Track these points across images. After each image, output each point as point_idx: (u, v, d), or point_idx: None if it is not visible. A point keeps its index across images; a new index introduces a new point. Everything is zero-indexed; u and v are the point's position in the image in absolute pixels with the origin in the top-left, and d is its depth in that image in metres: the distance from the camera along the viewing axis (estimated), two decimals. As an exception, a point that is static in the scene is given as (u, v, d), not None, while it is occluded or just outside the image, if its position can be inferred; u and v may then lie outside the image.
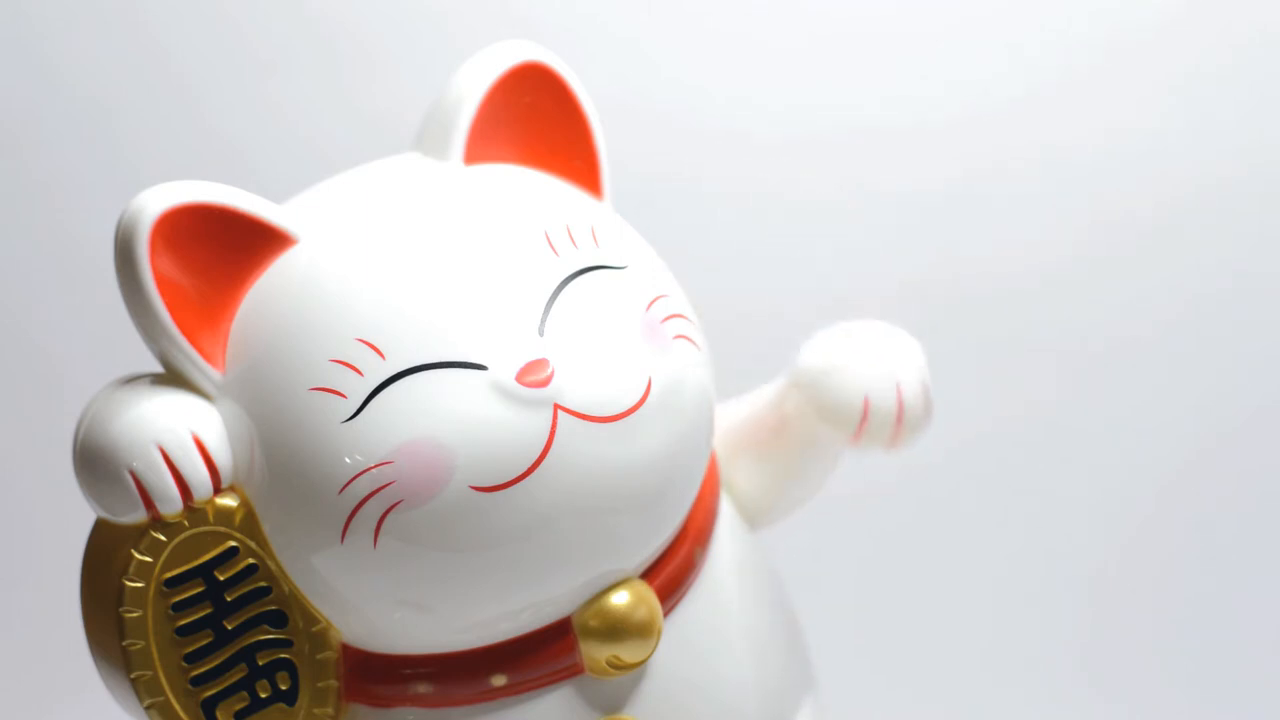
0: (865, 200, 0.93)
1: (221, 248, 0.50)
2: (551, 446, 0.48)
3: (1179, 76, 0.92)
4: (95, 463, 0.49)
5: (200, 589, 0.49)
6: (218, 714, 0.50)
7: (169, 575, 0.49)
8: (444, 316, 0.48)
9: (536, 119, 0.54)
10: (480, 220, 0.51)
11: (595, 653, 0.51)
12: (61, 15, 0.94)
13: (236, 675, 0.50)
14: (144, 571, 0.49)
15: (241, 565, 0.49)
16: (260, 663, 0.50)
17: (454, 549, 0.48)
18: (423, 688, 0.51)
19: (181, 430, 0.49)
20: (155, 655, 0.49)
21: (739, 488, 0.57)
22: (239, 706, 0.50)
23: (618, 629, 0.50)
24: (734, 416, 0.58)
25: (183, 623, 0.49)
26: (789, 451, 0.57)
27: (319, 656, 0.50)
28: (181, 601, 0.49)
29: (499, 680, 0.50)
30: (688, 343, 0.51)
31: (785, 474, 0.58)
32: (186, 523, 0.49)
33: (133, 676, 0.49)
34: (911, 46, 0.93)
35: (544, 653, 0.51)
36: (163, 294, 0.49)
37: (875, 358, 0.56)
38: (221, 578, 0.49)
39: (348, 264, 0.49)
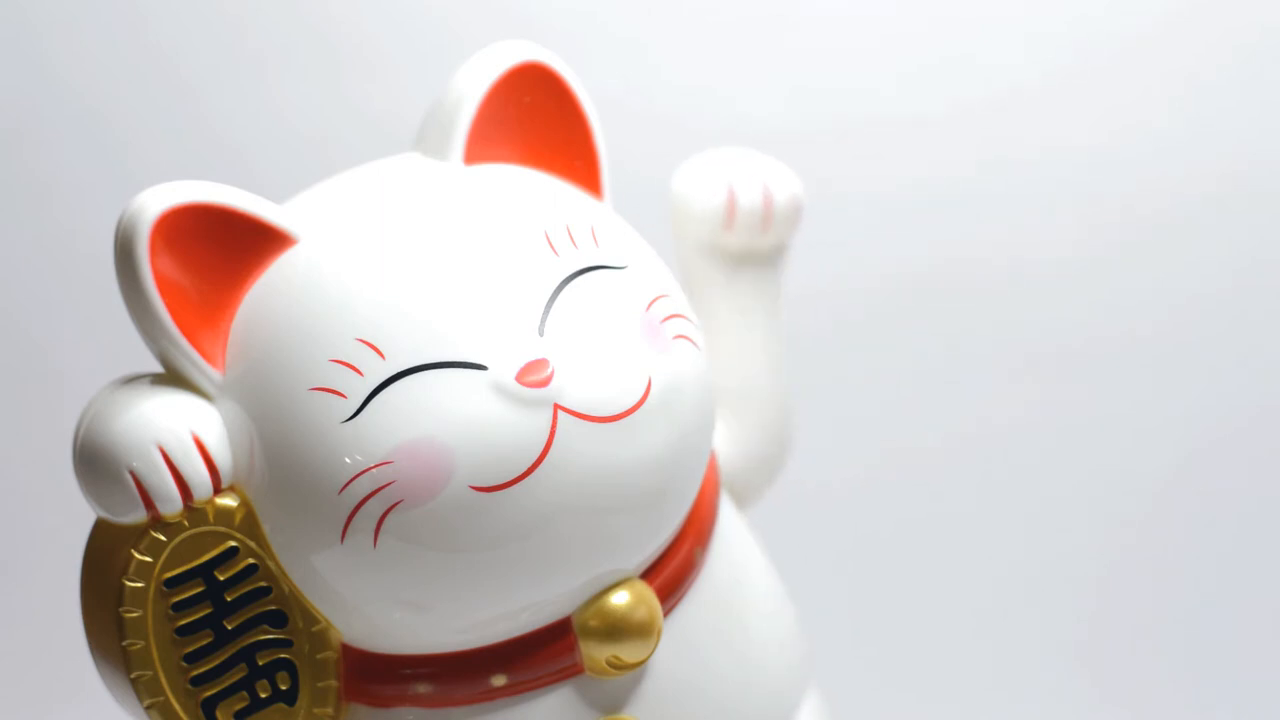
0: (865, 198, 0.93)
1: (221, 248, 0.50)
2: (551, 446, 0.48)
3: (1181, 74, 0.92)
4: (95, 463, 0.49)
5: (200, 589, 0.49)
6: (218, 714, 0.50)
7: (169, 575, 0.49)
8: (444, 316, 0.48)
9: (536, 119, 0.54)
10: (480, 220, 0.51)
11: (595, 653, 0.51)
12: (61, 15, 0.94)
13: (236, 675, 0.50)
14: (144, 571, 0.49)
15: (241, 565, 0.49)
16: (260, 663, 0.50)
17: (454, 549, 0.48)
18: (423, 688, 0.51)
19: (181, 430, 0.49)
20: (155, 655, 0.49)
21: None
22: (239, 706, 0.50)
23: (618, 629, 0.50)
24: None
25: (183, 623, 0.49)
26: (703, 301, 0.58)
27: (319, 656, 0.50)
28: (181, 601, 0.49)
29: (499, 680, 0.50)
30: (688, 343, 0.51)
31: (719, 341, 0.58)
32: (186, 523, 0.49)
33: (133, 676, 0.49)
34: (911, 46, 0.93)
35: (544, 653, 0.51)
36: (163, 294, 0.49)
37: (740, 161, 0.58)
38: (221, 578, 0.49)
39: (348, 264, 0.49)
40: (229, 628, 0.49)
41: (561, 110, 0.54)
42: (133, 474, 0.48)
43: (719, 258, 0.58)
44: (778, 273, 0.60)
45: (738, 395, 0.58)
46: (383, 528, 0.47)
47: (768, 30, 0.93)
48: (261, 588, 0.49)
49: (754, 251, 0.58)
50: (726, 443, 0.58)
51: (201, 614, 0.49)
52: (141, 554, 0.49)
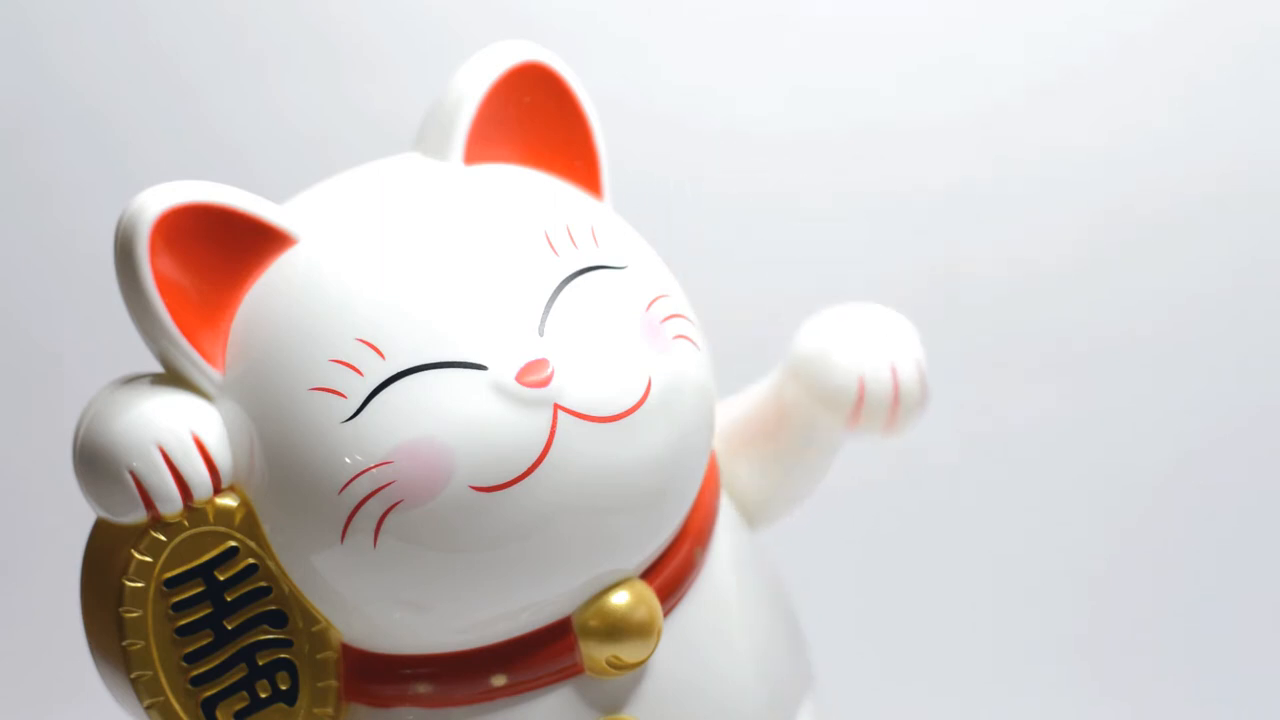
0: (866, 199, 0.93)
1: (221, 248, 0.50)
2: (551, 446, 0.48)
3: (1181, 74, 0.92)
4: (95, 463, 0.49)
5: (200, 589, 0.49)
6: (218, 714, 0.50)
7: (169, 575, 0.49)
8: (444, 316, 0.48)
9: (536, 119, 0.54)
10: (480, 220, 0.51)
11: (595, 653, 0.51)
12: (61, 15, 0.94)
13: (236, 675, 0.50)
14: (144, 571, 0.49)
15: (241, 565, 0.49)
16: (260, 663, 0.50)
17: (454, 549, 0.48)
18: (423, 688, 0.51)
19: (181, 430, 0.49)
20: (155, 655, 0.49)
21: (740, 483, 0.57)
22: (239, 706, 0.50)
23: (618, 629, 0.50)
24: (733, 411, 0.58)
25: (183, 623, 0.49)
26: (789, 441, 0.57)
27: (319, 656, 0.50)
28: (181, 601, 0.49)
29: (499, 680, 0.50)
30: (688, 342, 0.51)
31: (786, 465, 0.58)
32: (186, 523, 0.49)
33: (133, 676, 0.49)
34: (911, 46, 0.93)
35: (544, 653, 0.51)
36: (163, 294, 0.49)
37: (870, 339, 0.56)
38: (221, 578, 0.49)
39: (348, 264, 0.49)
40: (229, 628, 0.49)
41: (561, 110, 0.54)
42: (133, 474, 0.48)
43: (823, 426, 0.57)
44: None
45: (792, 485, 0.58)
46: (383, 528, 0.47)
47: (768, 30, 0.93)
48: (261, 588, 0.49)
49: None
50: (767, 501, 0.58)
51: (201, 614, 0.49)
52: (141, 554, 0.49)
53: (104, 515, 0.49)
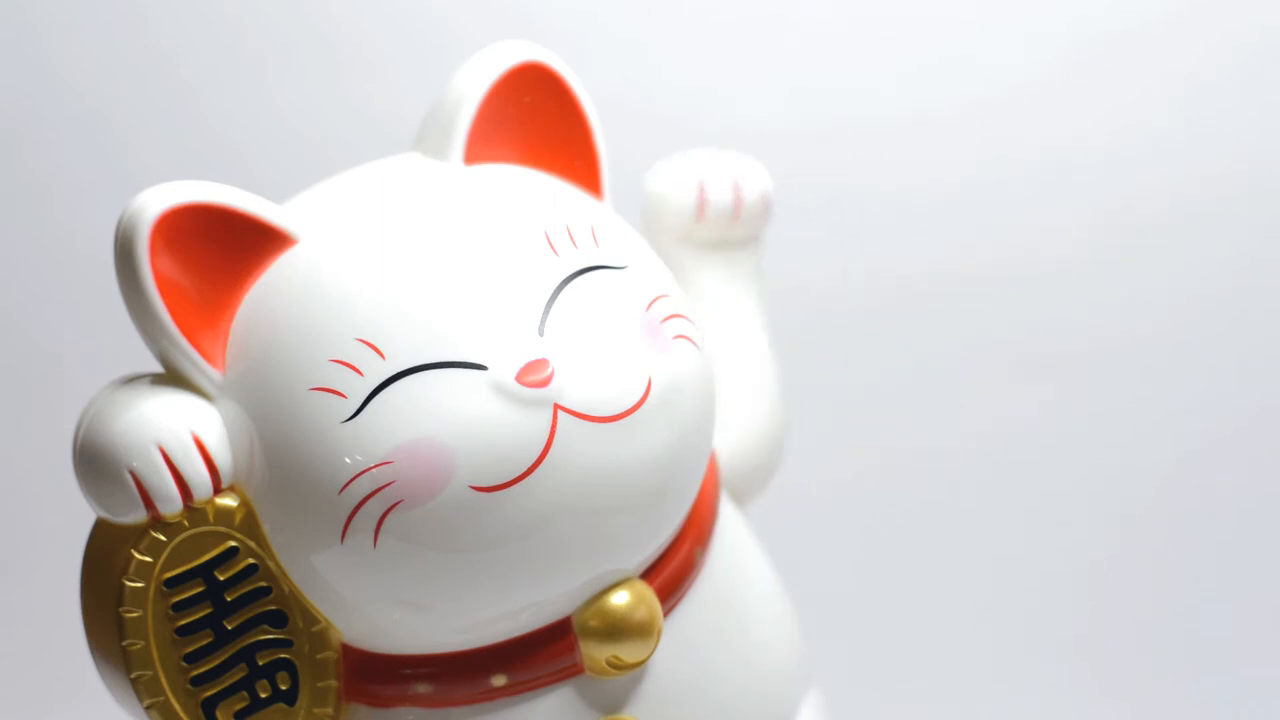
0: (866, 199, 0.93)
1: (221, 248, 0.50)
2: (551, 446, 0.48)
3: (1181, 74, 0.93)
4: (95, 463, 0.49)
5: (200, 589, 0.49)
6: (218, 714, 0.50)
7: (169, 575, 0.49)
8: (444, 316, 0.48)
9: (536, 119, 0.54)
10: (480, 220, 0.51)
11: (595, 653, 0.51)
12: (61, 15, 0.94)
13: (236, 675, 0.50)
14: (144, 571, 0.49)
15: (241, 565, 0.49)
16: (260, 663, 0.50)
17: (454, 549, 0.48)
18: (423, 688, 0.51)
19: (181, 430, 0.49)
20: (155, 655, 0.49)
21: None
22: (239, 706, 0.50)
23: (618, 629, 0.50)
24: None
25: (183, 623, 0.49)
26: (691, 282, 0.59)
27: (319, 656, 0.50)
28: (181, 601, 0.49)
29: (499, 680, 0.50)
30: (688, 343, 0.51)
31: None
32: (186, 523, 0.49)
33: (133, 676, 0.49)
34: (911, 46, 0.93)
35: (544, 653, 0.51)
36: (163, 294, 0.49)
37: (711, 159, 0.59)
38: (221, 578, 0.49)
39: (348, 264, 0.49)
40: (229, 628, 0.49)
41: (561, 110, 0.54)
42: (133, 474, 0.48)
43: (692, 246, 0.59)
44: (751, 256, 0.60)
45: (722, 374, 0.58)
46: (383, 528, 0.47)
47: (768, 30, 0.93)
48: (261, 588, 0.49)
49: (726, 240, 0.59)
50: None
51: (201, 614, 0.49)
52: (141, 554, 0.49)
53: (104, 515, 0.49)
